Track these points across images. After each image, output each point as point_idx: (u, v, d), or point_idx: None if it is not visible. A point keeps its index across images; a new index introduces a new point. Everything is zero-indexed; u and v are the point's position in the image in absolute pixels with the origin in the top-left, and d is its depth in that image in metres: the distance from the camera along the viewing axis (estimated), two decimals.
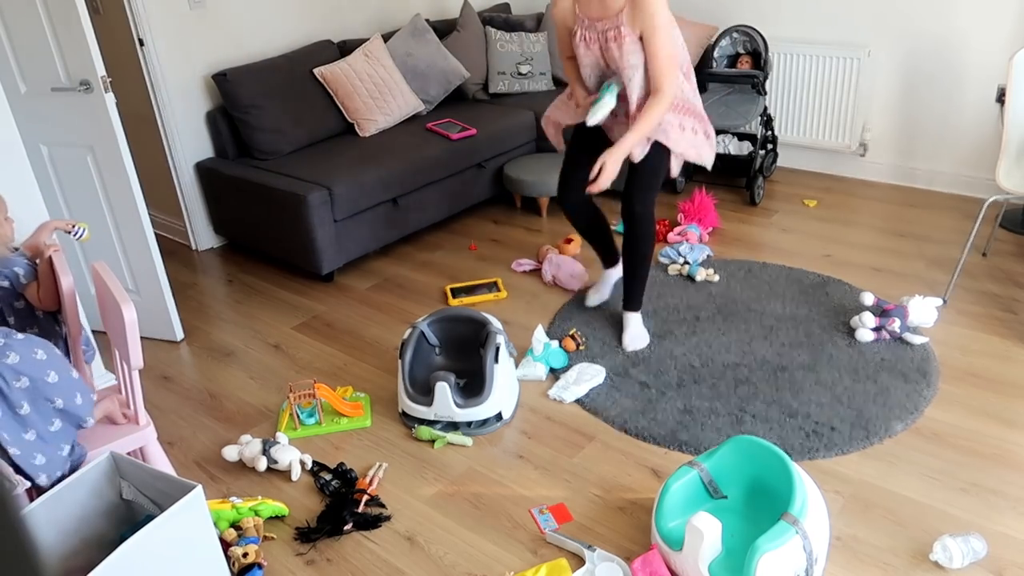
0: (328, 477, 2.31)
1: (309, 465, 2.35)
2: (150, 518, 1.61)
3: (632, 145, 2.47)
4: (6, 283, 1.98)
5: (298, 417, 2.53)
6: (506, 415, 2.49)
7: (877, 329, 2.76)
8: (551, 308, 3.16)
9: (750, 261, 3.41)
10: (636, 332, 2.86)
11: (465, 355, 2.66)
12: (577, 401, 2.57)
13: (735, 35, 4.09)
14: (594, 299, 3.11)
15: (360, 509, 2.17)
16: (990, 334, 2.78)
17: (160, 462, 2.04)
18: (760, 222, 3.82)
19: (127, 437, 1.92)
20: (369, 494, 2.22)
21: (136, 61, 3.59)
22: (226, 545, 1.98)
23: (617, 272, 3.06)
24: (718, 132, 4.16)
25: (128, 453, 1.91)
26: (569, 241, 3.57)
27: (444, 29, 4.45)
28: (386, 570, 1.99)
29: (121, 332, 1.80)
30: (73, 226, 2.14)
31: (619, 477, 2.25)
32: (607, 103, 2.49)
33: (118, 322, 1.80)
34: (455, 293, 3.31)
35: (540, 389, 2.66)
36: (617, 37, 2.42)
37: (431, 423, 2.48)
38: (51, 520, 1.69)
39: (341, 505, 2.18)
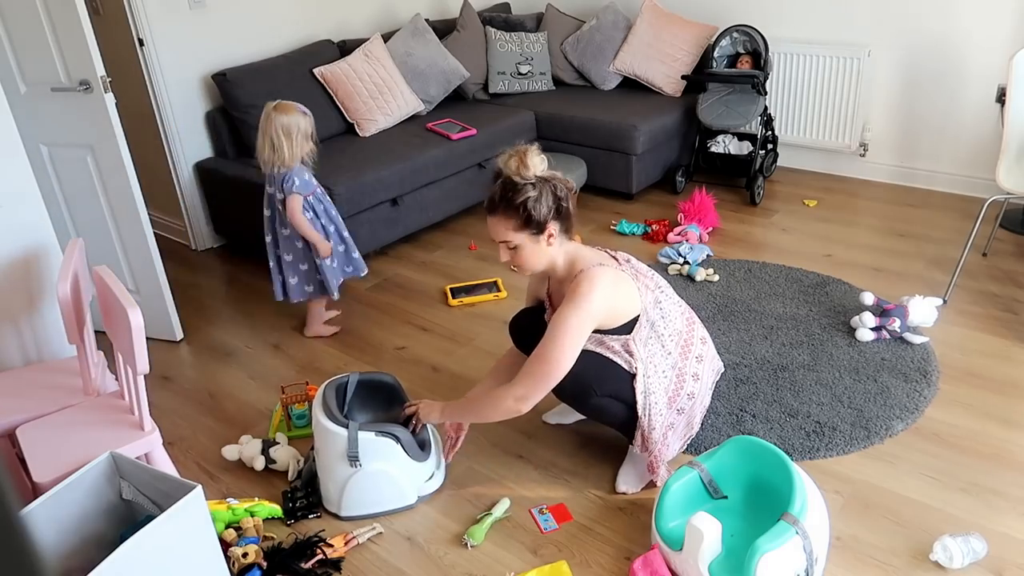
0: (300, 494, 2.22)
1: (304, 465, 2.35)
2: (150, 518, 1.61)
3: (454, 412, 2.12)
4: (281, 195, 2.77)
5: (290, 418, 2.52)
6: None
7: (877, 329, 2.76)
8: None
9: (750, 261, 3.41)
10: (634, 464, 2.22)
11: (370, 408, 2.31)
12: None
13: (735, 35, 4.09)
14: (553, 418, 2.53)
15: (307, 564, 1.96)
16: (990, 334, 2.78)
17: (165, 468, 2.03)
18: (760, 222, 3.82)
19: (133, 443, 1.91)
20: (328, 555, 1.99)
21: (136, 61, 3.59)
22: (226, 545, 1.98)
23: None
24: (719, 132, 4.17)
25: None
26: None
27: (444, 29, 4.45)
28: (386, 570, 1.99)
29: (126, 337, 1.79)
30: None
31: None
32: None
33: (123, 327, 1.80)
34: (455, 293, 3.31)
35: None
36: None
37: (479, 520, 2.10)
38: (51, 520, 1.68)
39: (290, 553, 1.99)
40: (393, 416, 2.22)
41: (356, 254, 3.00)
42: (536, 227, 1.97)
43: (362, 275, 3.06)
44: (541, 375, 1.94)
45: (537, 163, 1.96)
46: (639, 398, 2.03)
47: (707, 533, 1.74)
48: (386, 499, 2.13)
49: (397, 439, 2.08)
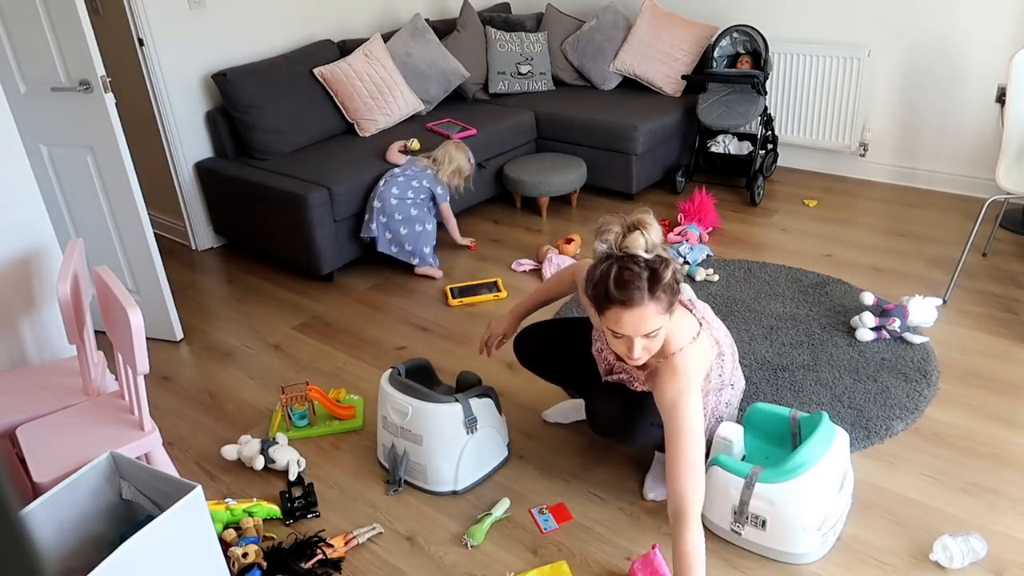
0: (297, 493, 2.24)
1: (304, 466, 2.35)
2: (150, 518, 1.61)
3: None
4: (425, 194, 3.49)
5: (290, 418, 2.52)
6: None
7: (877, 329, 2.76)
8: (551, 309, 3.16)
9: (750, 261, 3.41)
10: (661, 477, 2.16)
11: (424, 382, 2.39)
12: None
13: (735, 35, 4.09)
14: (553, 418, 2.51)
15: (307, 564, 1.97)
16: (990, 334, 2.78)
17: (165, 468, 2.03)
18: (760, 222, 3.82)
19: (132, 443, 1.91)
20: (328, 555, 2.00)
21: (136, 61, 3.58)
22: (226, 545, 1.98)
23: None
24: (719, 132, 4.17)
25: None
26: (569, 241, 3.57)
27: (444, 29, 4.45)
28: (386, 570, 1.99)
29: (126, 337, 1.79)
30: (405, 145, 3.67)
31: (619, 477, 2.25)
32: None
33: (123, 327, 1.80)
34: (455, 293, 3.31)
35: (541, 393, 2.65)
36: (629, 381, 2.01)
37: (481, 518, 2.13)
38: (51, 520, 1.68)
39: (290, 553, 1.99)
40: (447, 387, 2.43)
41: (407, 246, 3.48)
42: (674, 304, 1.75)
43: (414, 261, 3.51)
44: (695, 479, 1.70)
45: (657, 232, 1.72)
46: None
47: (735, 440, 1.98)
48: (493, 456, 2.29)
49: (491, 395, 2.26)
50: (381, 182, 3.46)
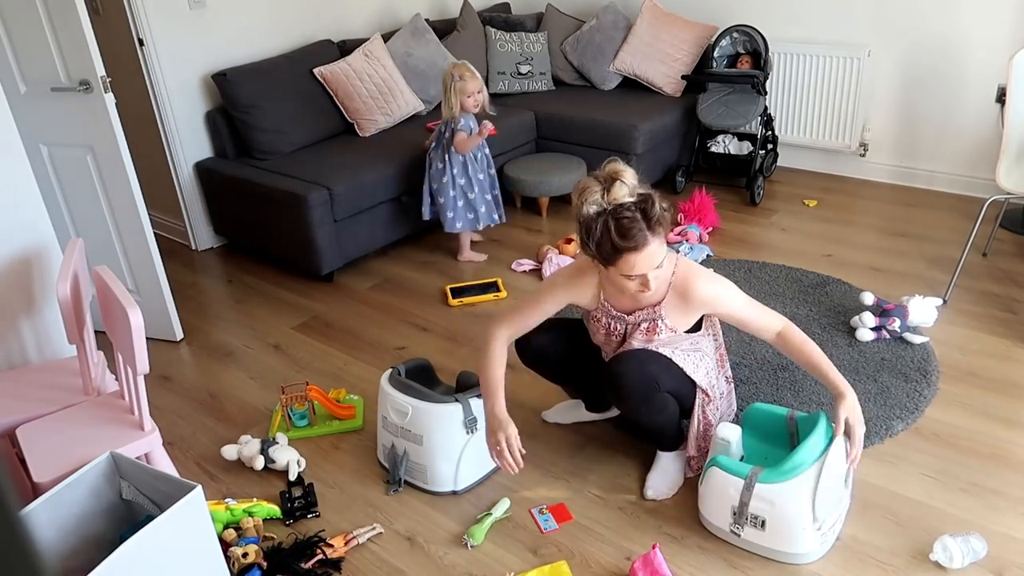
0: (297, 493, 2.24)
1: (304, 466, 2.35)
2: (150, 518, 1.61)
3: (842, 382, 1.96)
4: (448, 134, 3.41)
5: (290, 418, 2.52)
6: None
7: (877, 329, 2.76)
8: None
9: (750, 261, 3.41)
10: (666, 471, 2.20)
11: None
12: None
13: (735, 35, 4.09)
14: (553, 418, 2.52)
15: (307, 564, 1.96)
16: (990, 334, 2.78)
17: (165, 468, 2.03)
18: (760, 222, 3.82)
19: (132, 443, 1.91)
20: (328, 555, 2.00)
21: (136, 61, 3.59)
22: (226, 545, 1.98)
23: (587, 413, 2.49)
24: (718, 132, 4.17)
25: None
26: (569, 241, 3.57)
27: (444, 29, 4.45)
28: (386, 570, 1.99)
29: (126, 337, 1.79)
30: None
31: (619, 477, 2.25)
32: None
33: (123, 327, 1.80)
34: (455, 293, 3.31)
35: (541, 393, 2.65)
36: (651, 329, 2.03)
37: (482, 518, 2.13)
38: (51, 520, 1.68)
39: (290, 553, 2.00)
40: (447, 387, 2.40)
41: (480, 209, 3.52)
42: (667, 230, 1.92)
43: (479, 228, 3.59)
44: (763, 314, 2.04)
45: (631, 175, 1.89)
46: (703, 380, 2.07)
47: (733, 440, 1.98)
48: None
49: None
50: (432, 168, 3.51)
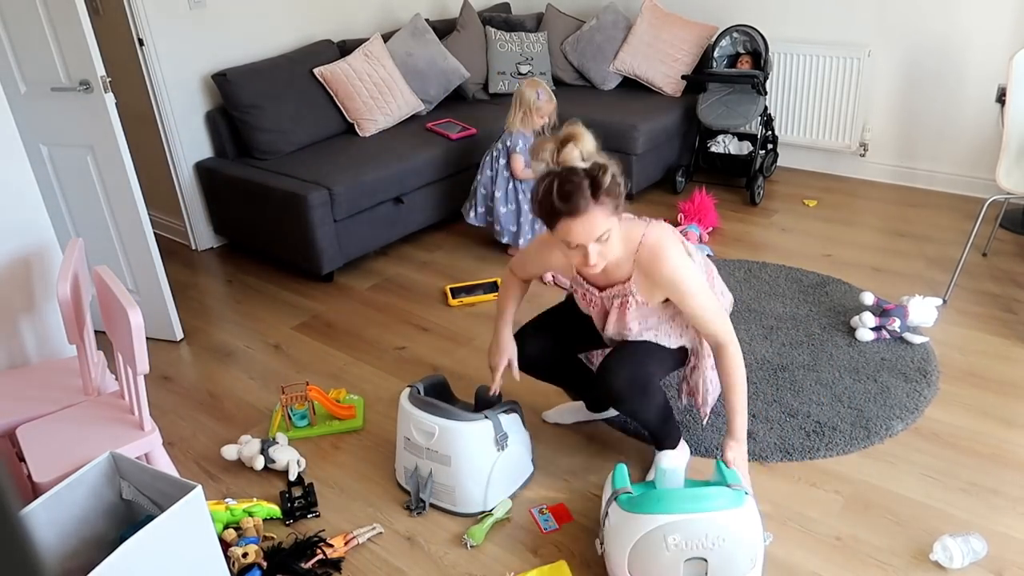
0: (297, 493, 2.24)
1: (304, 466, 2.35)
2: (150, 518, 1.61)
3: (742, 429, 1.96)
4: (504, 158, 3.46)
5: (290, 418, 2.52)
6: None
7: (877, 329, 2.76)
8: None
9: (750, 261, 3.41)
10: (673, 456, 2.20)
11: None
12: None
13: (735, 35, 4.09)
14: (553, 418, 2.53)
15: (307, 564, 1.96)
16: (990, 334, 2.78)
17: (165, 468, 2.03)
18: (760, 222, 3.82)
19: (132, 443, 1.91)
20: (328, 555, 1.99)
21: (136, 61, 3.59)
22: (226, 545, 1.98)
23: (588, 413, 2.51)
24: (719, 132, 4.17)
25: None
26: None
27: (444, 29, 4.45)
28: (386, 570, 1.99)
29: (126, 337, 1.79)
30: None
31: None
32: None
33: (123, 327, 1.80)
34: (455, 293, 3.31)
35: (541, 393, 2.65)
36: (623, 305, 1.99)
37: (481, 518, 2.11)
38: (51, 520, 1.68)
39: (290, 553, 1.99)
40: (464, 404, 2.27)
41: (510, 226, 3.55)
42: (619, 205, 1.80)
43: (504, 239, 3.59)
44: (717, 319, 1.92)
45: (590, 140, 1.81)
46: (688, 342, 2.09)
47: (679, 468, 1.81)
48: (520, 472, 2.22)
49: (517, 410, 2.21)
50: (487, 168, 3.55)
